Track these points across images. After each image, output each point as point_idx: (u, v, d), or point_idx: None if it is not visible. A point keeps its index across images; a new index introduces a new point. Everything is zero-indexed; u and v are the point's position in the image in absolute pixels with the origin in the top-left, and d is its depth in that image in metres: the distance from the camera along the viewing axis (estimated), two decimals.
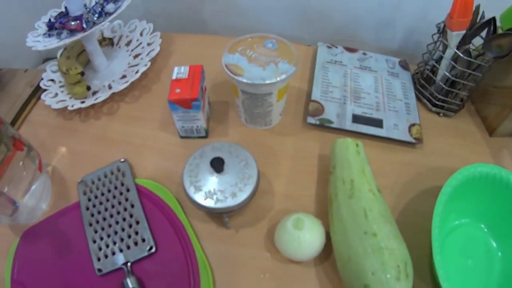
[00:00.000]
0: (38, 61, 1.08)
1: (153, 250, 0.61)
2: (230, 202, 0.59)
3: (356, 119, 0.80)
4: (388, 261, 0.53)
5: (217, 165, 0.60)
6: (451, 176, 0.63)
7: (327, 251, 0.61)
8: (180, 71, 0.72)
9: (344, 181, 0.62)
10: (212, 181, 0.60)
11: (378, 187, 0.63)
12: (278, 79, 0.65)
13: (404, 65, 0.95)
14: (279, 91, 0.70)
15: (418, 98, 0.89)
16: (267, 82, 0.65)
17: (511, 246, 0.67)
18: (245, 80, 0.65)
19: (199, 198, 0.59)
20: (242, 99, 0.72)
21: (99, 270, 0.60)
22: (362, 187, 0.61)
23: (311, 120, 0.79)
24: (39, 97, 0.84)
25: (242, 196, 0.59)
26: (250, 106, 0.73)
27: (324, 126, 0.79)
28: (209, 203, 0.59)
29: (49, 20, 0.80)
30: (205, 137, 0.77)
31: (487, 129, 0.87)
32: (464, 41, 0.78)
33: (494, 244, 0.69)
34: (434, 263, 0.55)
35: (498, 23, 0.75)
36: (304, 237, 0.58)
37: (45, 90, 0.84)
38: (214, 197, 0.59)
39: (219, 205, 0.58)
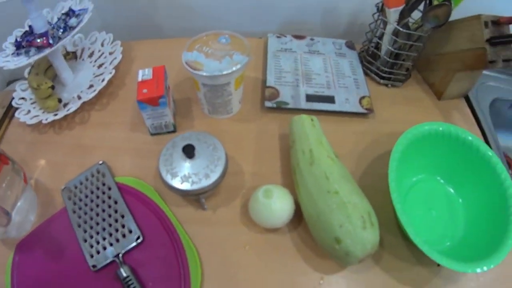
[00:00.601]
0: (2, 85, 1.09)
1: (141, 239, 0.66)
2: (204, 183, 0.64)
3: (310, 98, 0.87)
4: (352, 213, 0.59)
5: (189, 151, 0.65)
6: (402, 135, 0.69)
7: (298, 217, 0.68)
8: (144, 73, 0.77)
9: (304, 151, 0.68)
10: (186, 167, 0.65)
11: (336, 154, 0.69)
12: (234, 68, 0.71)
13: (350, 45, 1.03)
14: (236, 80, 0.76)
15: (366, 74, 0.96)
16: (224, 72, 0.71)
17: (469, 192, 0.73)
18: (205, 73, 0.71)
19: (177, 183, 0.64)
20: (204, 91, 0.77)
21: (94, 266, 0.64)
22: (320, 155, 0.67)
23: (268, 104, 0.85)
24: (12, 116, 0.87)
25: (214, 176, 0.65)
26: (212, 98, 0.79)
27: (281, 108, 0.86)
28: (186, 186, 0.64)
29: (16, 39, 0.83)
30: (174, 131, 0.83)
31: (435, 94, 0.94)
32: (404, 16, 0.85)
33: (454, 193, 0.75)
34: (396, 213, 0.61)
35: None
36: (275, 204, 0.64)
37: (17, 108, 0.87)
38: (190, 180, 0.64)
39: (195, 186, 0.64)
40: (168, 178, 0.65)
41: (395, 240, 0.69)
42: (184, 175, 0.65)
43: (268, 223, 0.65)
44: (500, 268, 0.59)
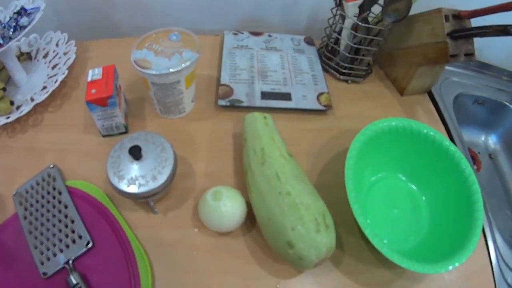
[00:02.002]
0: None
1: (90, 245, 0.64)
2: (152, 185, 0.62)
3: (265, 95, 0.86)
4: (305, 215, 0.57)
5: (135, 152, 0.63)
6: (360, 131, 0.68)
7: (252, 220, 0.66)
8: (94, 73, 0.75)
9: (255, 150, 0.67)
10: (133, 169, 0.63)
11: (289, 152, 0.68)
12: (183, 65, 0.70)
13: (309, 41, 1.02)
14: (186, 78, 0.74)
15: (325, 70, 0.96)
16: (172, 70, 0.69)
17: (432, 189, 0.72)
18: (152, 72, 0.69)
19: (123, 186, 0.62)
20: (154, 90, 0.75)
21: (44, 273, 0.62)
22: (272, 153, 0.65)
23: (221, 102, 0.84)
24: None
25: (162, 178, 0.63)
26: (162, 97, 0.77)
27: (235, 106, 0.84)
28: (133, 189, 0.62)
29: None
30: (126, 132, 0.81)
31: (397, 89, 0.94)
32: (363, 10, 0.84)
33: (417, 190, 0.74)
34: (354, 213, 0.59)
35: None
36: (225, 207, 0.62)
37: None
38: (137, 182, 0.62)
39: (142, 189, 0.62)
40: (115, 181, 0.63)
41: (356, 242, 0.67)
42: (131, 178, 0.63)
43: (218, 227, 0.63)
44: (466, 265, 0.58)
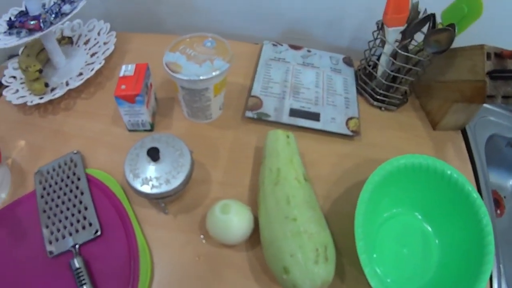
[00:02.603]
0: (3, 57, 1.10)
1: (99, 233, 0.66)
2: (164, 188, 0.63)
3: (293, 112, 0.84)
4: (306, 244, 0.56)
5: (153, 154, 0.64)
6: (380, 165, 0.66)
7: (258, 236, 0.65)
8: (127, 69, 0.76)
9: (271, 169, 0.67)
10: (149, 169, 0.64)
11: (305, 176, 0.67)
12: (213, 74, 0.70)
13: (348, 62, 0.99)
14: (215, 87, 0.74)
15: (360, 93, 0.93)
16: (201, 78, 0.70)
17: (447, 233, 0.70)
18: (181, 77, 0.70)
19: (137, 184, 0.63)
20: (182, 94, 0.76)
21: (50, 252, 0.64)
22: (288, 175, 0.65)
23: (248, 114, 0.83)
24: (1, 93, 0.88)
25: (175, 183, 0.64)
26: (190, 101, 0.77)
27: (262, 120, 0.83)
28: (146, 189, 0.63)
29: (10, 18, 0.84)
30: (151, 130, 0.82)
31: (430, 122, 0.91)
32: (405, 37, 0.82)
33: (431, 232, 0.72)
34: (357, 250, 0.58)
35: (439, 20, 0.78)
36: (231, 221, 0.62)
37: (6, 86, 0.88)
38: (150, 183, 0.63)
39: (154, 190, 0.63)
40: (130, 178, 0.64)
41: (358, 275, 0.65)
42: (146, 178, 0.64)
43: (222, 239, 0.64)
44: None
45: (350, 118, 0.85)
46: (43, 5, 0.84)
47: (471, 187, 0.67)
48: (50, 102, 0.85)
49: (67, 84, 0.86)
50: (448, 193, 0.69)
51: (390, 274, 0.66)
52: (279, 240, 0.58)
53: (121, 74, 0.75)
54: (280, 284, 0.60)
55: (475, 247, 0.64)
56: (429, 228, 0.72)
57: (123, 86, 0.73)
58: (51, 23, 0.80)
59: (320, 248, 0.57)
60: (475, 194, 0.66)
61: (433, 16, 0.78)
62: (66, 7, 0.83)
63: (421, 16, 0.80)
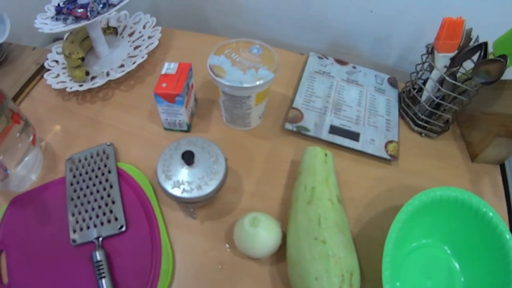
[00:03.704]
0: (48, 40, 1.12)
1: (123, 229, 0.66)
2: (195, 194, 0.62)
3: (333, 130, 0.82)
4: (333, 268, 0.55)
5: (188, 158, 0.63)
6: (415, 195, 0.64)
7: (283, 252, 0.64)
8: (169, 67, 0.76)
9: (306, 187, 0.65)
10: (181, 172, 0.64)
11: (339, 198, 0.66)
12: (257, 83, 0.69)
13: (393, 82, 0.96)
14: (257, 95, 0.73)
15: (402, 116, 0.91)
16: (245, 85, 0.68)
17: (474, 272, 0.67)
18: (224, 82, 0.69)
19: (168, 186, 0.63)
20: (223, 99, 0.75)
21: (74, 241, 0.65)
22: (322, 195, 0.63)
23: (288, 126, 0.82)
24: (43, 76, 0.89)
25: (207, 190, 0.63)
26: (230, 107, 0.76)
27: (301, 134, 0.82)
28: (176, 192, 0.62)
29: (58, 4, 0.85)
30: (187, 131, 0.81)
31: (469, 154, 0.87)
32: (454, 64, 0.79)
33: (458, 268, 0.69)
34: (382, 279, 0.56)
35: (490, 49, 0.76)
36: (259, 235, 0.61)
37: (48, 70, 0.89)
38: (181, 187, 0.62)
39: (185, 195, 0.62)
40: (161, 179, 0.63)
41: None
42: (178, 181, 0.63)
43: (247, 251, 0.63)
44: None
45: (390, 142, 0.83)
46: None
47: (504, 228, 0.64)
48: (89, 90, 0.85)
49: (107, 74, 0.86)
50: (480, 231, 0.67)
51: None
52: (306, 261, 0.57)
53: (163, 72, 0.75)
54: None
55: None
56: (457, 265, 0.70)
57: (164, 84, 0.72)
58: (98, 13, 0.80)
59: (346, 274, 0.55)
60: (508, 235, 0.64)
61: (485, 44, 0.75)
62: None
63: (472, 44, 0.77)
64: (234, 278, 0.64)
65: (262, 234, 0.61)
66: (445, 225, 0.69)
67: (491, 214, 0.65)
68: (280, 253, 0.65)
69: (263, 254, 0.63)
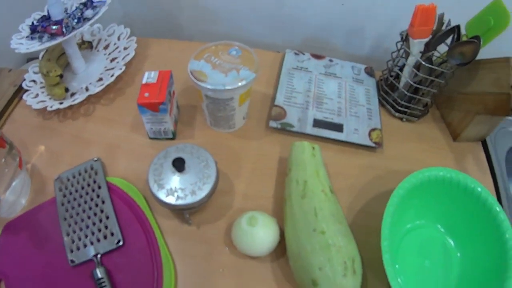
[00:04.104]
0: (22, 61, 1.10)
1: (121, 243, 0.65)
2: (190, 199, 0.63)
3: (317, 123, 0.84)
4: (335, 257, 0.56)
5: (178, 165, 0.63)
6: (405, 178, 0.66)
7: (282, 248, 0.65)
8: (150, 76, 0.76)
9: (298, 182, 0.66)
10: (174, 180, 0.64)
11: (331, 188, 0.67)
12: (239, 84, 0.69)
13: (370, 72, 0.99)
14: (240, 96, 0.74)
15: (381, 104, 0.93)
16: (228, 88, 0.69)
17: (469, 247, 0.69)
18: (207, 86, 0.69)
19: (162, 195, 0.63)
20: (206, 103, 0.75)
21: (72, 261, 0.64)
22: (314, 188, 0.64)
23: (273, 124, 0.83)
24: (21, 97, 0.88)
25: (201, 194, 0.63)
26: (214, 110, 0.77)
27: (285, 130, 0.83)
28: (170, 200, 0.62)
29: (32, 23, 0.84)
30: (173, 138, 0.81)
31: (451, 134, 0.90)
32: (428, 48, 0.81)
33: (453, 245, 0.71)
34: (383, 262, 0.57)
35: (463, 31, 0.78)
36: (257, 233, 0.62)
37: (27, 90, 0.87)
38: (175, 194, 0.63)
39: (180, 202, 0.62)
40: (154, 188, 0.64)
41: (381, 286, 0.65)
42: (171, 189, 0.63)
43: (248, 251, 0.63)
44: None
45: (373, 130, 0.85)
46: (65, 10, 0.84)
47: (494, 201, 0.66)
48: (70, 107, 0.85)
49: (87, 89, 0.86)
50: (470, 206, 0.69)
51: (411, 285, 0.66)
52: (308, 253, 0.58)
53: (144, 81, 0.75)
54: None
55: (498, 261, 0.63)
56: (451, 242, 0.72)
57: (146, 94, 0.72)
58: (73, 28, 0.80)
59: (348, 261, 0.57)
60: (498, 208, 0.66)
61: (457, 28, 0.78)
62: (88, 12, 0.82)
63: (445, 28, 0.80)
64: (238, 280, 0.65)
65: (261, 232, 0.62)
66: (436, 204, 0.71)
67: (479, 189, 0.67)
68: (279, 250, 0.65)
69: (263, 252, 0.63)
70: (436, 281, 0.68)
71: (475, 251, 0.68)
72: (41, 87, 0.88)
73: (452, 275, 0.68)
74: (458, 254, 0.70)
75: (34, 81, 0.90)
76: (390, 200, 0.63)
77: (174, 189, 0.63)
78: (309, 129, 0.83)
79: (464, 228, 0.70)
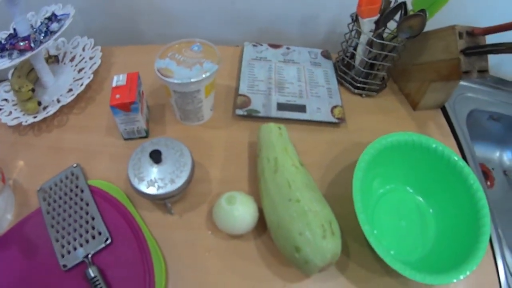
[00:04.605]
0: None
1: (109, 241, 0.68)
2: (170, 188, 0.66)
3: (281, 107, 0.89)
4: (312, 221, 0.60)
5: (155, 156, 0.67)
6: (369, 144, 0.70)
7: (263, 225, 0.68)
8: (119, 79, 0.79)
9: (269, 159, 0.70)
10: (152, 171, 0.67)
11: (301, 162, 0.71)
12: (203, 76, 0.73)
13: (326, 55, 1.04)
14: (206, 88, 0.78)
15: (340, 83, 0.98)
16: (193, 80, 0.73)
17: (439, 202, 0.74)
18: (174, 81, 0.73)
19: (143, 187, 0.66)
20: (175, 98, 0.79)
21: (64, 265, 0.66)
22: (285, 163, 0.68)
23: (239, 111, 0.87)
24: None
25: (179, 182, 0.67)
26: (182, 104, 0.80)
27: (252, 116, 0.87)
28: (152, 190, 0.65)
29: (0, 42, 0.85)
30: (146, 137, 0.84)
31: (410, 104, 0.95)
32: (379, 25, 0.86)
33: (424, 203, 0.75)
34: (359, 222, 0.61)
35: (410, 7, 0.83)
36: (238, 211, 0.65)
37: (0, 109, 0.89)
38: (156, 184, 0.66)
39: (161, 191, 0.65)
40: (135, 182, 0.66)
41: (362, 250, 0.69)
42: (151, 180, 0.66)
43: (230, 229, 0.66)
44: (473, 281, 0.62)
45: (335, 107, 0.90)
46: (31, 25, 0.86)
47: (457, 157, 0.71)
48: (44, 120, 0.86)
49: (58, 101, 0.87)
50: (436, 165, 0.73)
51: (392, 247, 0.70)
52: (287, 222, 0.61)
53: (114, 85, 0.77)
54: (292, 264, 0.63)
55: (470, 213, 0.67)
56: (422, 200, 0.76)
57: (117, 96, 0.75)
58: (41, 42, 0.82)
59: (325, 224, 0.60)
60: (462, 163, 0.70)
61: (404, 4, 0.83)
62: (54, 26, 0.85)
63: (393, 5, 0.84)
64: (224, 260, 0.68)
65: (240, 209, 0.65)
66: (403, 168, 0.75)
67: (441, 148, 0.71)
68: (260, 227, 0.69)
69: (246, 228, 0.67)
70: (416, 239, 0.72)
71: (447, 206, 0.73)
72: (14, 104, 0.89)
73: (430, 231, 0.72)
74: (431, 211, 0.75)
75: (6, 99, 0.91)
76: (357, 165, 0.68)
77: (154, 180, 0.66)
78: (274, 113, 0.87)
79: (432, 186, 0.75)
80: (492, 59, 0.81)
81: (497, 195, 1.05)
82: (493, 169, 1.10)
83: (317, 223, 0.60)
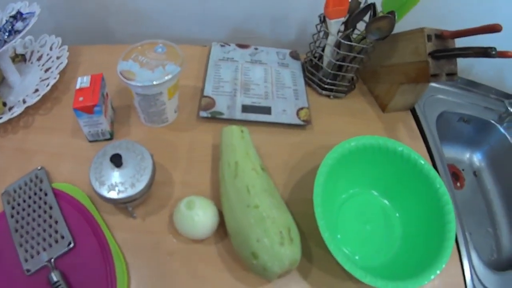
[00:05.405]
0: None
1: (72, 245, 0.67)
2: (130, 192, 0.66)
3: (245, 108, 0.88)
4: (270, 228, 0.60)
5: (116, 160, 0.66)
6: (332, 149, 0.70)
7: (225, 229, 0.68)
8: (83, 81, 0.78)
9: (230, 164, 0.70)
10: (113, 175, 0.67)
11: (262, 166, 0.70)
12: (165, 78, 0.73)
13: (295, 56, 1.04)
14: (168, 90, 0.77)
15: (308, 84, 0.97)
16: (155, 83, 0.72)
17: (406, 206, 0.74)
18: (136, 84, 0.73)
19: (104, 191, 0.65)
20: (138, 100, 0.78)
21: (28, 270, 0.65)
22: (245, 167, 0.68)
23: (203, 113, 0.86)
24: None
25: (140, 186, 0.66)
26: (145, 107, 0.80)
27: (216, 118, 0.87)
28: (113, 194, 0.65)
29: None
30: (111, 139, 0.84)
31: (380, 106, 0.95)
32: (347, 26, 0.86)
33: (390, 206, 0.76)
34: (319, 229, 0.61)
35: (379, 8, 0.83)
36: (197, 216, 0.65)
37: None
38: (116, 189, 0.66)
39: (121, 195, 0.65)
40: (96, 186, 0.66)
41: (325, 255, 0.67)
42: (111, 184, 0.66)
43: (190, 234, 0.67)
44: (439, 284, 0.63)
45: (301, 109, 0.89)
46: None
47: (423, 161, 0.71)
48: (9, 121, 0.84)
49: (24, 101, 0.86)
50: (402, 169, 0.73)
51: (357, 252, 0.70)
52: (245, 228, 0.61)
53: (78, 87, 0.77)
54: (251, 270, 0.63)
55: (436, 217, 0.68)
56: (387, 203, 0.76)
57: (80, 98, 0.74)
58: (5, 42, 0.81)
59: (283, 230, 0.60)
60: (428, 166, 0.71)
61: (373, 5, 0.83)
62: (18, 25, 0.83)
63: (362, 6, 0.85)
64: (186, 264, 0.68)
65: (200, 214, 0.65)
66: (367, 172, 0.75)
67: (407, 151, 0.71)
68: (222, 231, 0.69)
69: (205, 233, 0.67)
70: (381, 242, 0.72)
71: (413, 210, 0.73)
72: None
73: (395, 234, 0.73)
74: (397, 214, 0.75)
75: None
76: (320, 170, 0.68)
77: (115, 184, 0.66)
78: (238, 115, 0.87)
79: (398, 190, 0.75)
80: (463, 61, 0.82)
81: (466, 195, 1.06)
82: (463, 170, 1.11)
83: (274, 230, 0.60)
